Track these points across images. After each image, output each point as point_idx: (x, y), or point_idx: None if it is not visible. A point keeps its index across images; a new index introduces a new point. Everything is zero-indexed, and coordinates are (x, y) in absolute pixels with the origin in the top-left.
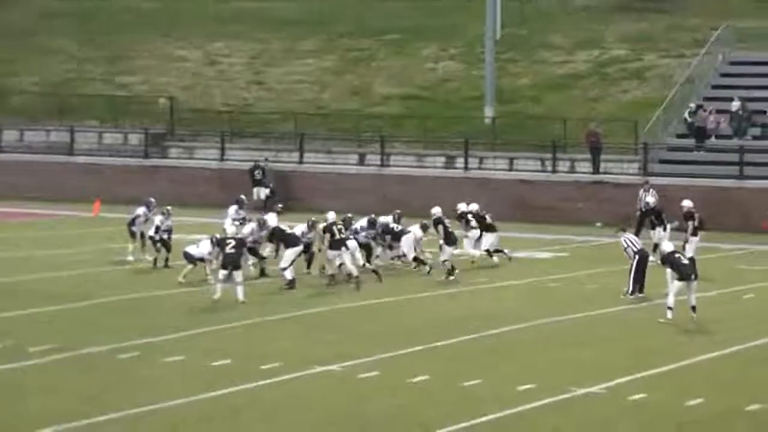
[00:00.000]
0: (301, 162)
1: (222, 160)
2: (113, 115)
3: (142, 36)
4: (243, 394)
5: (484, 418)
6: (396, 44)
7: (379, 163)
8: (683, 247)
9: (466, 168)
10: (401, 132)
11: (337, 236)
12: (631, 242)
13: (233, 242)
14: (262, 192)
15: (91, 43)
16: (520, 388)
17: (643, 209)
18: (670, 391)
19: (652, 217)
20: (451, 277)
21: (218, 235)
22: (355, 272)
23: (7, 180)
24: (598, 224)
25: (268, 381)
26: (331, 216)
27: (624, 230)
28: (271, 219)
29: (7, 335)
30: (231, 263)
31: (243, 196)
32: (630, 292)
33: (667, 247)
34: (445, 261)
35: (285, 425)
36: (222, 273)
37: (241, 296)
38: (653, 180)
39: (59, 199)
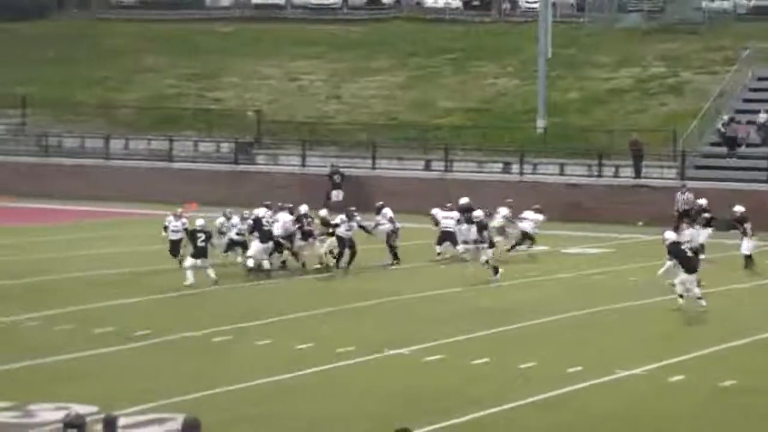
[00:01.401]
0: (373, 168)
1: (303, 165)
2: (207, 127)
3: (230, 56)
4: (322, 373)
5: (537, 397)
6: (457, 63)
7: (443, 168)
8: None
9: (521, 173)
10: (462, 141)
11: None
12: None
13: (203, 235)
14: (341, 194)
15: (185, 63)
16: (569, 370)
17: (680, 210)
18: (706, 374)
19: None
20: (497, 276)
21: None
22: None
23: (114, 183)
24: (640, 223)
25: (344, 363)
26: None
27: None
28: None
29: (109, 322)
30: (201, 255)
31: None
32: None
33: (670, 236)
34: (486, 261)
35: (357, 400)
36: (190, 261)
37: (212, 275)
38: (690, 184)
39: (158, 201)
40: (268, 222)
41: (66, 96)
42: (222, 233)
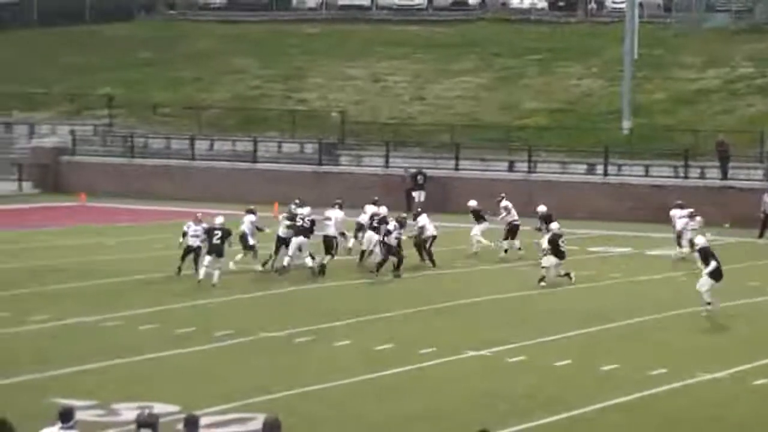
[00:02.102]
0: (457, 169)
1: (386, 166)
2: (291, 127)
3: (315, 57)
4: (402, 374)
5: (619, 399)
6: (542, 63)
7: (526, 169)
8: None
9: (605, 174)
10: (545, 142)
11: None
12: None
13: (219, 233)
14: (422, 195)
15: (271, 64)
16: (652, 373)
17: (767, 212)
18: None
19: None
20: (542, 283)
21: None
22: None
23: (199, 184)
24: (726, 225)
25: (426, 364)
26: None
27: None
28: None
29: (191, 322)
30: (215, 251)
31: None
32: None
33: (700, 240)
34: (544, 267)
35: (437, 401)
36: (207, 259)
37: (215, 280)
38: None
39: (242, 202)
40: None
41: (153, 97)
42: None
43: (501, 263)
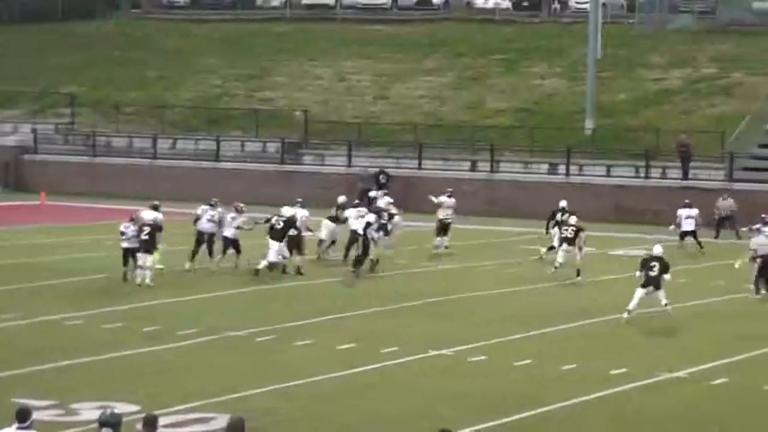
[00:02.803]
0: (420, 168)
1: (349, 166)
2: (255, 127)
3: (279, 56)
4: (367, 374)
5: (578, 399)
6: (507, 63)
7: (488, 169)
8: None
9: (567, 174)
10: (510, 142)
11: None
12: (759, 244)
13: (148, 229)
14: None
15: (236, 63)
16: (613, 372)
17: (723, 215)
18: (749, 377)
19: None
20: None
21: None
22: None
23: (162, 183)
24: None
25: (388, 363)
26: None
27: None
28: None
29: (156, 321)
30: (144, 248)
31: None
32: (755, 291)
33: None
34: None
35: (400, 401)
36: (139, 258)
37: (148, 280)
38: (737, 186)
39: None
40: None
41: (118, 96)
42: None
43: (463, 263)
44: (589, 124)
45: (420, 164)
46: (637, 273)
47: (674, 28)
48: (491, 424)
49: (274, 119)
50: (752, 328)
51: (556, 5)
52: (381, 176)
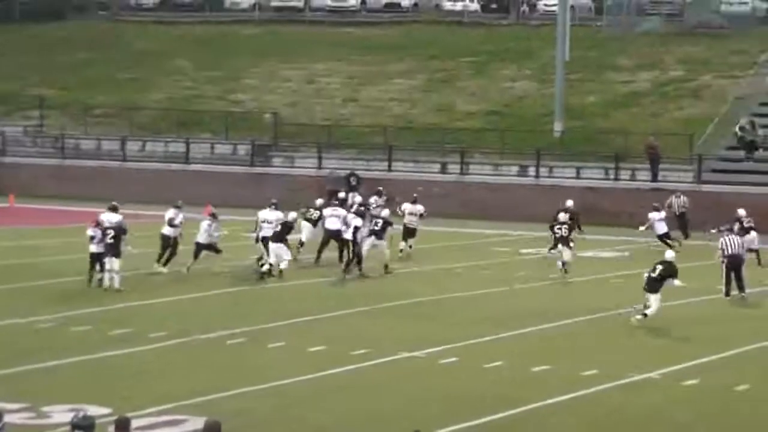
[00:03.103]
0: (389, 170)
1: (319, 168)
2: (225, 129)
3: (249, 59)
4: (338, 377)
5: (550, 400)
6: (477, 66)
7: (458, 171)
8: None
9: (537, 176)
10: (480, 144)
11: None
12: (727, 245)
13: (112, 232)
14: (357, 197)
15: (206, 65)
16: (584, 374)
17: (677, 213)
18: (721, 378)
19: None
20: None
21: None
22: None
23: (131, 185)
24: (642, 228)
25: (359, 365)
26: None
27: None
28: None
29: (126, 324)
30: (110, 252)
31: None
32: (725, 293)
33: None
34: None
35: (371, 403)
36: (107, 262)
37: (116, 284)
38: (706, 188)
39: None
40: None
41: (87, 98)
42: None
43: (436, 264)
44: (558, 126)
45: (390, 166)
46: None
47: (642, 30)
48: (464, 425)
49: (244, 121)
50: (723, 329)
51: (525, 8)
52: (351, 178)
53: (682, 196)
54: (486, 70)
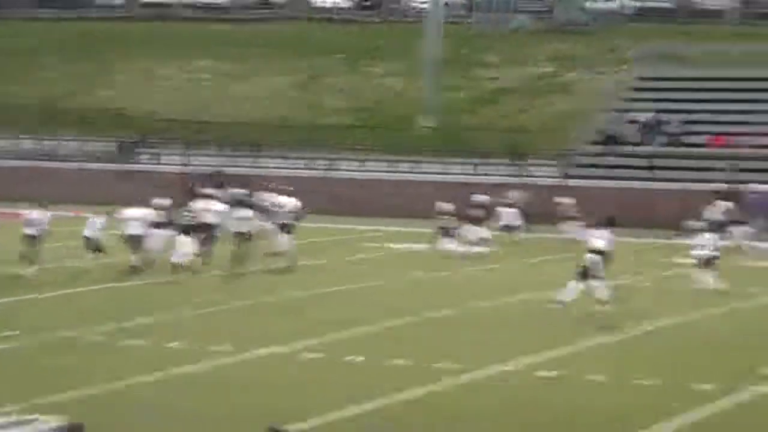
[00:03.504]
0: (258, 167)
1: (186, 165)
2: (93, 126)
3: (120, 55)
4: (193, 372)
5: (407, 394)
6: (347, 62)
7: (327, 167)
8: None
9: (405, 172)
10: (349, 141)
11: None
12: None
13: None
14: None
15: (76, 62)
16: (438, 365)
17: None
18: (573, 369)
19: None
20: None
21: None
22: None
23: None
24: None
25: (218, 362)
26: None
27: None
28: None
29: None
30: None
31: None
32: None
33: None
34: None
35: (232, 398)
36: None
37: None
38: (572, 182)
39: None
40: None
41: None
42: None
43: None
44: (427, 122)
45: (258, 163)
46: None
47: (512, 27)
48: (321, 419)
49: (113, 118)
50: (579, 320)
51: (396, 5)
52: (217, 175)
53: (520, 191)
54: (356, 67)
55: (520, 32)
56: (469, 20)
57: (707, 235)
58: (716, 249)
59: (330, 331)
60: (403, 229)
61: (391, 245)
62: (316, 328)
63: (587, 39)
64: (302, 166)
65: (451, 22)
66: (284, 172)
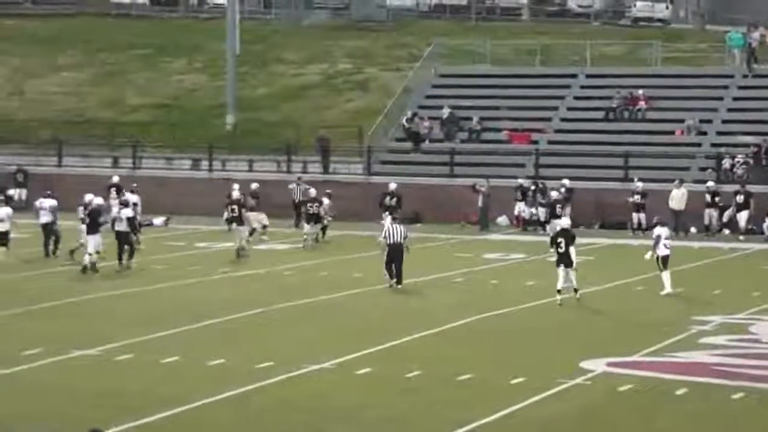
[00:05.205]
0: (60, 165)
1: None
2: None
3: None
4: (6, 375)
5: (226, 394)
6: (146, 59)
7: (131, 165)
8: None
9: (210, 170)
10: (151, 138)
11: None
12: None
13: None
14: (24, 193)
15: None
16: (259, 366)
17: (297, 201)
18: (392, 365)
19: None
20: None
21: None
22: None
23: None
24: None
25: (30, 365)
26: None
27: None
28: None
29: None
30: None
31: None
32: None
33: None
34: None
35: (44, 401)
36: None
37: None
38: (375, 179)
39: None
40: None
41: None
42: None
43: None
44: (229, 119)
45: (60, 162)
46: (551, 250)
47: (310, 23)
48: (133, 424)
49: None
50: (391, 319)
51: (194, 1)
52: (18, 174)
53: (302, 184)
54: (155, 64)
55: (318, 28)
56: (268, 16)
57: None
58: None
59: (138, 332)
60: (211, 228)
61: (198, 244)
62: (125, 330)
63: (384, 35)
64: (108, 165)
65: (249, 18)
66: (88, 171)
